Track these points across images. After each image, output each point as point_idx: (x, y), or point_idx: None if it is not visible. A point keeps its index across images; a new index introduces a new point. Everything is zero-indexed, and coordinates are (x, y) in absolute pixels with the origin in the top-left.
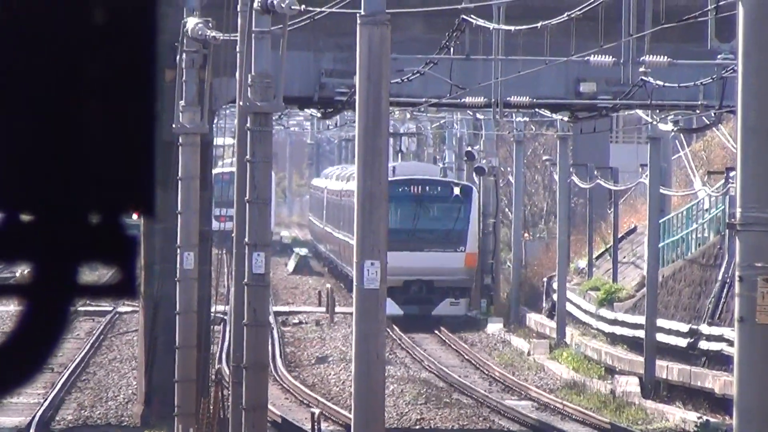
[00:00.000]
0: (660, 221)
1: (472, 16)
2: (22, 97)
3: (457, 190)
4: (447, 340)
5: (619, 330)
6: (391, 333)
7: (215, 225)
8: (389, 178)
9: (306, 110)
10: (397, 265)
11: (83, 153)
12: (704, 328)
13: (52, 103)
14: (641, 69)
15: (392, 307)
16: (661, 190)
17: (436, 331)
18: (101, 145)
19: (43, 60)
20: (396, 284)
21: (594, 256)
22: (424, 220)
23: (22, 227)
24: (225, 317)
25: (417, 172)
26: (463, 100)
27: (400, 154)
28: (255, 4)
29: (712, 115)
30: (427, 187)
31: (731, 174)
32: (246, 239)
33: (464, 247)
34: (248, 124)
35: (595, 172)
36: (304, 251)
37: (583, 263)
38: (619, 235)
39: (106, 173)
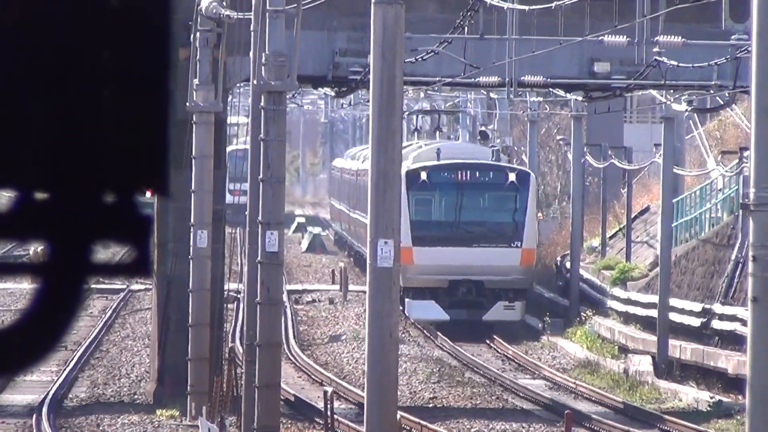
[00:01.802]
0: (673, 201)
1: None
2: (37, 76)
3: (512, 176)
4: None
5: (632, 309)
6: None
7: (229, 198)
8: (434, 162)
9: (320, 89)
10: (442, 262)
11: (97, 132)
12: (717, 308)
13: (66, 83)
14: (655, 49)
15: (437, 311)
16: (674, 170)
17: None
18: (115, 124)
19: (57, 39)
20: (441, 285)
21: (607, 236)
22: (474, 210)
23: (37, 205)
24: (238, 295)
25: (465, 155)
26: (477, 80)
27: (437, 132)
28: None
29: (726, 95)
30: (478, 173)
31: (745, 154)
32: (259, 218)
33: (520, 243)
34: (262, 103)
35: (609, 152)
36: (317, 230)
37: (596, 243)
38: (633, 215)
39: (120, 152)
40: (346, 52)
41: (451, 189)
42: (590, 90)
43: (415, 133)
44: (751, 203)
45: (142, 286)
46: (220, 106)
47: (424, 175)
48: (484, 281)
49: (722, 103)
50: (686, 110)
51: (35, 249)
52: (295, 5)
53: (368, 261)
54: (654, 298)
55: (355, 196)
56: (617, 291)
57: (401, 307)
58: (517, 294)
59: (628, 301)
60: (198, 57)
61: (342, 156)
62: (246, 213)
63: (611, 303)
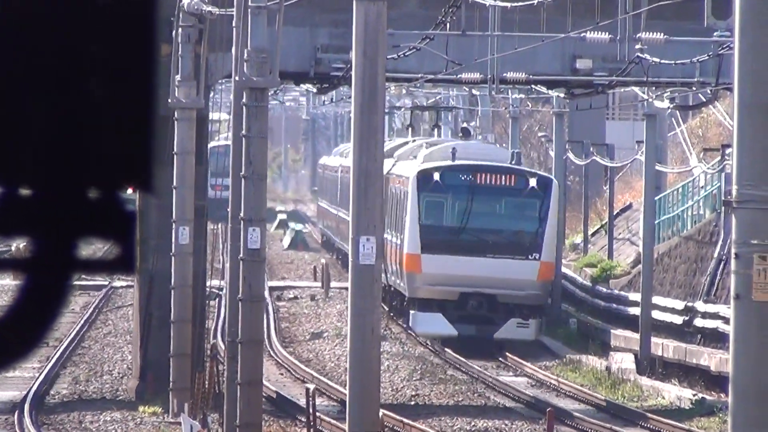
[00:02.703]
0: (655, 198)
1: None
2: (22, 73)
3: (533, 182)
4: None
5: (614, 306)
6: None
7: (211, 193)
8: (448, 162)
9: (302, 86)
10: (452, 272)
11: (82, 128)
12: (700, 306)
13: (51, 79)
14: (637, 46)
15: (444, 326)
16: (656, 167)
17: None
18: (100, 120)
19: (42, 36)
20: (450, 297)
21: (589, 233)
22: (490, 217)
23: (21, 201)
24: (220, 292)
25: (482, 156)
26: (459, 76)
27: (439, 129)
28: None
29: (709, 92)
30: (495, 177)
31: (727, 151)
32: (241, 214)
33: (539, 255)
34: (244, 100)
35: (591, 149)
36: (299, 226)
37: (578, 240)
38: (615, 212)
39: (104, 148)
40: (328, 48)
41: (466, 192)
42: (572, 87)
43: (409, 129)
44: (734, 200)
45: (124, 283)
46: (202, 102)
47: (437, 176)
48: (497, 295)
49: (704, 100)
50: (668, 107)
51: (17, 245)
52: (277, 1)
53: (350, 258)
54: (636, 296)
55: (338, 193)
56: (599, 288)
57: (401, 319)
58: (532, 311)
59: (610, 299)
60: (180, 53)
61: (325, 153)
62: (228, 209)
63: (593, 300)
